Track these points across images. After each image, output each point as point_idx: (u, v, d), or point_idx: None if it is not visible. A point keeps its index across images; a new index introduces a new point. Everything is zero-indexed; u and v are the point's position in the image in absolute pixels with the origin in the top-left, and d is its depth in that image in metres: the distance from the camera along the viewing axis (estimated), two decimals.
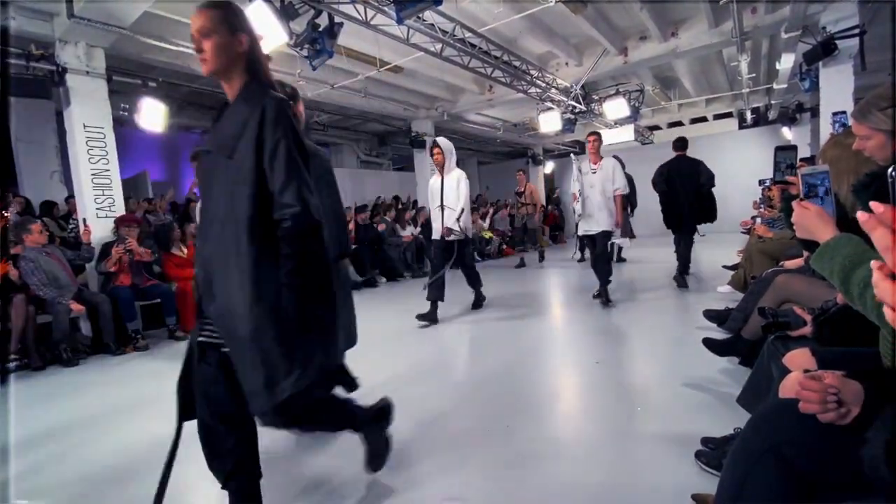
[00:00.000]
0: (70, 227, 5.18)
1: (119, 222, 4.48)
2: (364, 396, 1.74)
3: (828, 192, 1.05)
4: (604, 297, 4.42)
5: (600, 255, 4.48)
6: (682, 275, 5.06)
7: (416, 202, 10.00)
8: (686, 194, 4.92)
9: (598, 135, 4.57)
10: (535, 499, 1.61)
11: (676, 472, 1.67)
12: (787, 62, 7.03)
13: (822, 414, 0.87)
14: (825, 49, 5.19)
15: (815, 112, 8.62)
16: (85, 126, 4.47)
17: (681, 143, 5.16)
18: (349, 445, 1.79)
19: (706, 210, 4.99)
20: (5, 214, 4.36)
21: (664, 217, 5.16)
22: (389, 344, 3.77)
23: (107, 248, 4.31)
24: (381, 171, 12.01)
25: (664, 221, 5.20)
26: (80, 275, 4.45)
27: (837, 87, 5.36)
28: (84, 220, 4.39)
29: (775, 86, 8.49)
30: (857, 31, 5.08)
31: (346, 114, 9.15)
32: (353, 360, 2.10)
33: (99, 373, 3.57)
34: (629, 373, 2.82)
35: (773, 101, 10.15)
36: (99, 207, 4.57)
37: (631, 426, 2.13)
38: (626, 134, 10.10)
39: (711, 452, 1.68)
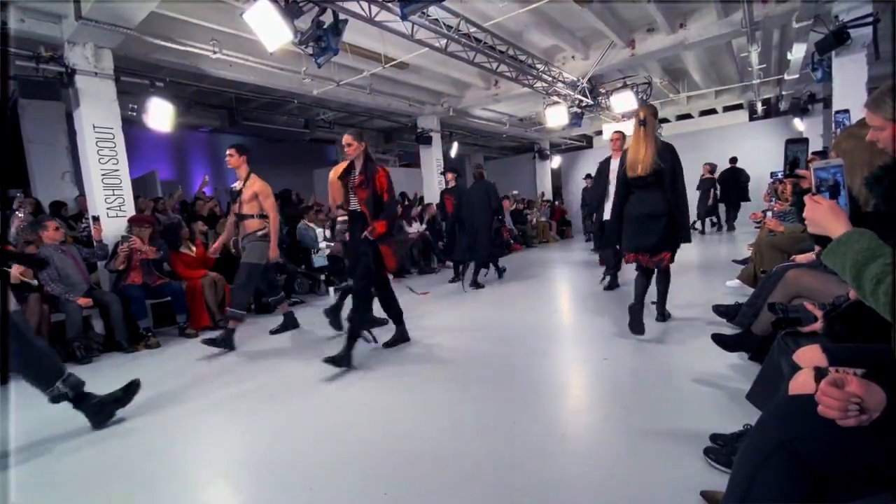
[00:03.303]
0: (82, 226, 5.25)
1: (132, 222, 4.53)
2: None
3: (841, 186, 1.03)
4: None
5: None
6: (731, 225, 9.88)
7: (422, 198, 10.00)
8: (734, 188, 9.80)
9: None
10: (542, 495, 1.61)
11: (685, 468, 1.66)
12: (798, 52, 6.90)
13: (842, 420, 0.85)
14: (838, 38, 5.08)
15: (827, 103, 8.48)
16: (94, 127, 4.52)
17: (734, 160, 9.86)
18: None
19: (744, 194, 9.80)
20: (18, 216, 4.43)
21: (722, 199, 9.91)
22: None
23: (117, 247, 4.37)
24: (387, 168, 12.01)
25: (723, 201, 9.93)
26: (93, 273, 4.51)
27: (851, 77, 5.25)
28: (96, 218, 4.43)
29: (787, 76, 8.35)
30: (870, 19, 4.97)
31: (352, 111, 9.16)
32: None
33: (111, 370, 3.62)
34: (637, 369, 2.80)
35: (784, 92, 9.99)
36: (109, 207, 4.63)
37: (639, 422, 2.12)
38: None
39: (720, 449, 1.67)
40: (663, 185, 3.08)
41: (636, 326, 3.18)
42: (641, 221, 3.15)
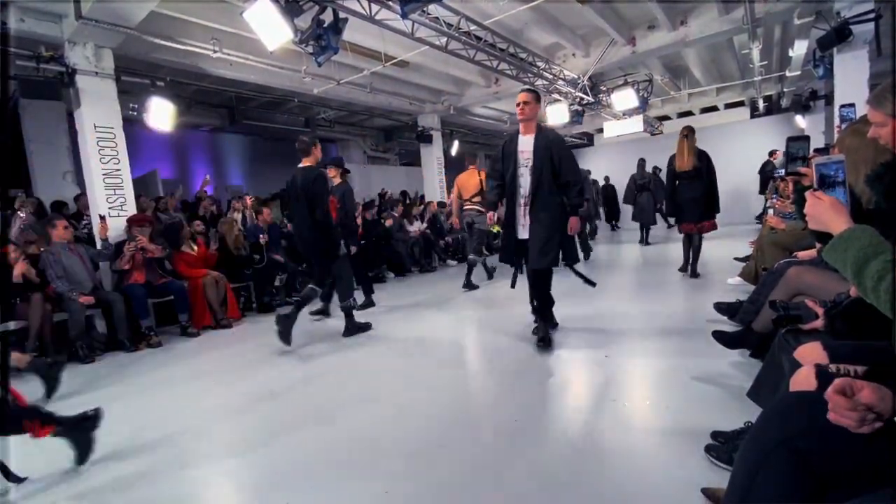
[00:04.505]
0: (83, 223, 5.25)
1: (131, 222, 4.54)
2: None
3: (842, 182, 1.03)
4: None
5: None
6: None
7: (423, 197, 9.99)
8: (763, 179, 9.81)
9: None
10: (543, 492, 1.62)
11: (686, 465, 1.67)
12: (800, 49, 6.88)
13: (856, 429, 0.84)
14: (839, 35, 5.06)
15: (829, 99, 8.45)
16: (95, 126, 4.52)
17: (771, 154, 9.68)
18: None
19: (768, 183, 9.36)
20: (20, 216, 4.44)
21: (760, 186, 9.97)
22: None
23: (120, 246, 4.39)
24: (387, 167, 12.02)
25: (760, 187, 9.92)
26: (96, 272, 4.52)
27: (852, 74, 5.23)
28: (103, 217, 4.42)
29: (788, 73, 8.32)
30: (871, 15, 4.95)
31: (352, 109, 9.16)
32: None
33: (114, 369, 3.64)
34: (638, 366, 2.80)
35: (785, 89, 9.96)
36: (111, 206, 4.63)
37: (640, 419, 2.12)
38: (635, 125, 9.98)
39: (721, 446, 1.67)
40: (701, 178, 4.70)
41: (690, 270, 5.04)
42: (688, 203, 4.77)
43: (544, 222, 3.06)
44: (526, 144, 3.13)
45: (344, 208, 4.67)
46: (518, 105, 3.11)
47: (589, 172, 7.72)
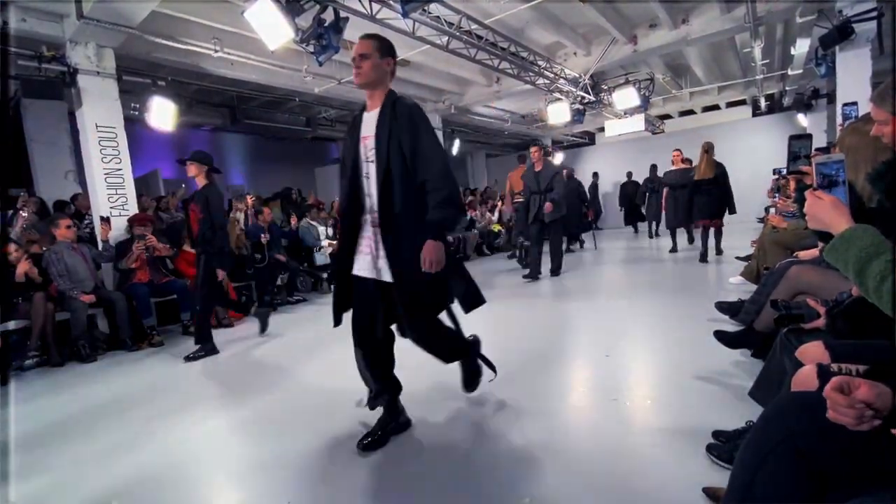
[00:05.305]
0: (85, 223, 5.25)
1: (133, 222, 4.55)
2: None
3: (843, 181, 1.02)
4: None
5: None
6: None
7: None
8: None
9: None
10: (544, 492, 1.62)
11: (687, 465, 1.66)
12: (802, 47, 6.87)
13: (855, 427, 0.83)
14: (841, 33, 5.05)
15: (831, 98, 8.42)
16: (97, 126, 4.53)
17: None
18: None
19: None
20: (23, 215, 4.45)
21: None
22: None
23: (122, 246, 4.40)
24: None
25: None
26: (97, 272, 4.53)
27: (854, 72, 5.23)
28: (105, 219, 4.42)
29: (790, 72, 8.31)
30: (874, 14, 4.94)
31: (353, 108, 9.15)
32: None
33: (116, 368, 3.65)
34: (639, 366, 2.80)
35: (787, 88, 9.94)
36: (112, 206, 4.64)
37: (641, 419, 2.12)
38: (637, 124, 9.97)
39: (723, 446, 1.67)
40: (717, 185, 5.79)
41: (704, 258, 5.97)
42: (704, 205, 5.88)
43: (406, 254, 1.81)
44: (369, 126, 1.89)
45: (209, 219, 3.45)
46: (353, 60, 1.85)
47: (564, 168, 7.53)
